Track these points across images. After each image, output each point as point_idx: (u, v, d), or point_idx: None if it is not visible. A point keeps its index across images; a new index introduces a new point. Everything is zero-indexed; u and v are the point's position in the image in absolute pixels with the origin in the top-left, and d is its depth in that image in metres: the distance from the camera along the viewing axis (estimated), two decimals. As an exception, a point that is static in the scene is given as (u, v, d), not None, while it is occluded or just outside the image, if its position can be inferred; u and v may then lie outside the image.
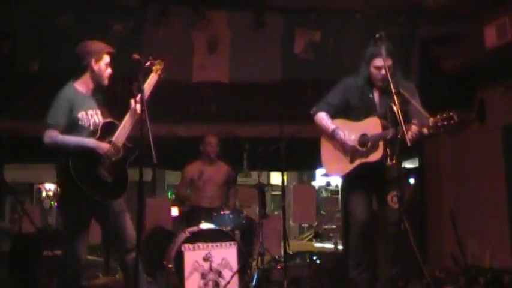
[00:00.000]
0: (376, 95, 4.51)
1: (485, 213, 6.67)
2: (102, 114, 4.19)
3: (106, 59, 4.20)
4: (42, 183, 13.44)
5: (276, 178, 13.54)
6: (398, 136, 3.95)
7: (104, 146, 4.00)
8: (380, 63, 4.33)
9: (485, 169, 6.73)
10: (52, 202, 13.29)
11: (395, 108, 3.90)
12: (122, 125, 4.08)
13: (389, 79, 4.04)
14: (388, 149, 4.24)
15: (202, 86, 6.89)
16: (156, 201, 8.52)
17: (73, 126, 4.03)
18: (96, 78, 4.18)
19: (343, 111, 4.62)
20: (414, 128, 4.05)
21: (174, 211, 7.32)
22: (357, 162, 4.43)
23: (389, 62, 4.27)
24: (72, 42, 5.97)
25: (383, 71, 4.25)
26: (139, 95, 3.94)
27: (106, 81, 4.21)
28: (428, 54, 6.89)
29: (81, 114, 4.07)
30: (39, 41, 6.28)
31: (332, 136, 4.54)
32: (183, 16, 6.54)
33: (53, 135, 3.96)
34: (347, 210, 4.72)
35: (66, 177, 3.90)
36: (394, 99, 3.94)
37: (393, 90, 3.97)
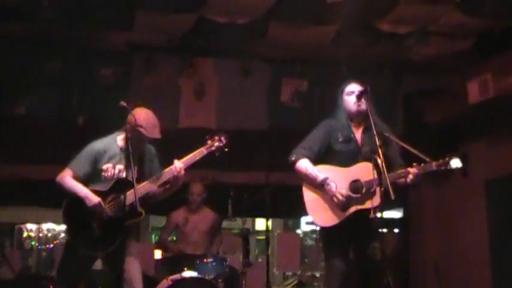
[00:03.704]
0: (358, 135, 4.35)
1: (469, 264, 6.67)
2: (139, 170, 4.11)
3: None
4: (23, 223, 13.26)
5: (260, 223, 13.46)
6: (382, 189, 3.85)
7: (93, 198, 3.98)
8: (352, 88, 4.31)
9: (468, 221, 6.77)
10: (33, 243, 13.11)
11: (379, 161, 3.84)
12: (137, 186, 3.93)
13: (366, 102, 4.09)
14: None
15: (188, 132, 6.91)
16: (138, 246, 8.40)
17: (96, 177, 4.08)
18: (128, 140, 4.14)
19: (324, 156, 4.37)
20: (415, 171, 4.04)
21: (157, 254, 7.23)
22: (353, 209, 4.15)
23: (362, 88, 4.23)
24: (59, 88, 6.06)
25: (356, 93, 4.22)
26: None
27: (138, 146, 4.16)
28: (412, 107, 6.99)
29: (106, 167, 4.10)
30: (25, 87, 6.32)
31: (321, 186, 4.23)
32: (170, 64, 6.66)
33: (63, 175, 4.05)
34: (325, 260, 4.47)
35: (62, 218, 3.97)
36: (375, 141, 3.87)
37: (374, 133, 3.90)
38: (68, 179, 4.04)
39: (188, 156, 4.14)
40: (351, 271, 4.28)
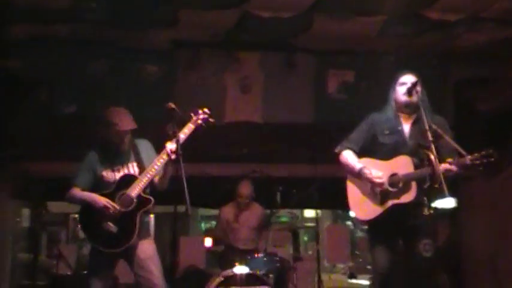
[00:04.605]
0: (406, 128, 4.24)
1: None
2: (138, 165, 4.29)
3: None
4: (77, 213, 13.62)
5: (309, 211, 13.44)
6: (436, 185, 3.77)
7: (99, 199, 4.12)
8: (405, 80, 4.22)
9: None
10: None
11: (432, 157, 3.75)
12: (140, 177, 4.17)
13: (418, 94, 4.01)
14: (424, 196, 4.01)
15: (234, 127, 6.93)
16: (189, 240, 8.53)
17: (99, 184, 4.25)
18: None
19: (370, 150, 4.32)
20: (450, 167, 3.88)
21: (208, 242, 7.29)
22: (389, 203, 4.09)
23: (416, 79, 4.15)
24: (105, 87, 6.16)
25: (408, 85, 4.14)
26: (174, 141, 4.02)
27: (122, 147, 4.29)
28: (462, 96, 6.80)
29: (105, 172, 4.27)
30: (74, 87, 6.48)
31: (359, 175, 4.21)
32: (215, 59, 6.67)
33: (69, 192, 4.26)
34: (370, 254, 4.41)
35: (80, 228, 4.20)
36: (427, 137, 3.80)
37: (426, 127, 3.82)
38: (73, 192, 4.24)
39: (178, 135, 4.09)
40: (397, 266, 4.19)
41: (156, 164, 4.13)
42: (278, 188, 6.52)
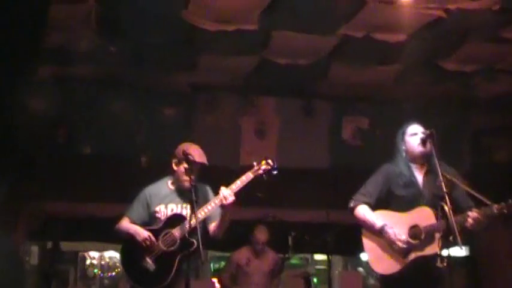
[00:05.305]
0: (419, 178, 4.18)
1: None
2: (191, 208, 4.07)
3: (185, 164, 4.16)
4: (86, 251, 13.60)
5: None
6: (450, 239, 3.69)
7: (142, 233, 4.05)
8: (415, 130, 4.15)
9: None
10: (96, 270, 13.41)
11: (446, 208, 3.71)
12: (188, 218, 3.97)
13: (430, 145, 3.94)
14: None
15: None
16: (200, 283, 8.45)
17: (151, 219, 4.17)
18: (175, 179, 4.25)
19: (385, 201, 4.20)
20: (474, 215, 3.80)
21: (216, 282, 7.23)
22: (412, 256, 3.98)
23: (424, 130, 4.08)
24: (123, 127, 6.21)
25: (420, 136, 4.07)
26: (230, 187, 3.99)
27: (184, 185, 4.17)
28: (480, 145, 6.79)
29: (159, 208, 4.18)
30: (91, 128, 6.53)
31: (380, 233, 4.09)
32: (232, 103, 6.74)
33: (119, 223, 4.20)
34: None
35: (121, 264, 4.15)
36: (441, 187, 3.71)
37: (440, 177, 3.74)
38: (123, 224, 4.19)
39: (235, 182, 4.10)
40: None
41: (207, 208, 4.03)
42: (291, 233, 6.48)
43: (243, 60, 5.87)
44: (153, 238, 4.04)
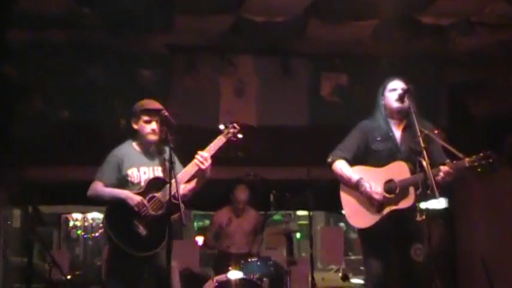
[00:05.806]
0: (397, 134, 4.23)
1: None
2: (163, 171, 4.16)
3: (144, 117, 4.19)
4: (69, 213, 13.63)
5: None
6: (428, 191, 3.71)
7: (134, 197, 4.00)
8: (394, 85, 4.20)
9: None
10: (79, 232, 13.46)
11: (424, 163, 3.75)
12: (171, 182, 3.93)
13: (408, 101, 3.97)
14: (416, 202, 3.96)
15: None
16: (183, 243, 8.53)
17: (123, 183, 4.13)
18: (140, 138, 4.23)
19: (363, 157, 4.27)
20: (446, 169, 3.87)
21: (201, 240, 7.31)
22: (387, 210, 4.06)
23: (407, 86, 4.12)
24: (100, 91, 6.16)
25: (399, 92, 4.12)
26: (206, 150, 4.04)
27: (149, 139, 4.20)
28: (457, 100, 6.84)
29: (131, 171, 4.15)
30: (68, 93, 6.47)
31: (356, 187, 4.16)
32: (210, 63, 6.69)
33: (94, 187, 4.11)
34: (363, 261, 4.39)
35: (104, 227, 4.03)
36: (419, 142, 3.76)
37: (417, 132, 3.80)
38: (101, 188, 4.10)
39: (210, 145, 4.11)
40: (391, 273, 4.17)
41: (186, 172, 4.05)
42: (272, 191, 6.54)
43: (219, 19, 5.80)
44: (146, 203, 4.01)
